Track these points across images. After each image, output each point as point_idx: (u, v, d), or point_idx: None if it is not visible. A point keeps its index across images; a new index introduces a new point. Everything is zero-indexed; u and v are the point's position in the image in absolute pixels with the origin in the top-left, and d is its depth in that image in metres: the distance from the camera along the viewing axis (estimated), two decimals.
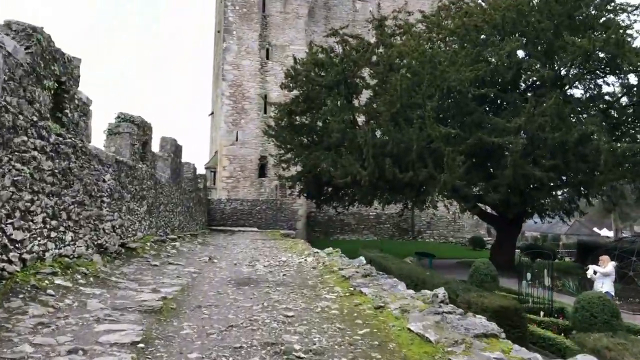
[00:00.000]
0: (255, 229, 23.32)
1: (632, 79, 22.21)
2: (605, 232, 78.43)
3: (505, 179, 20.86)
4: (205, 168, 39.90)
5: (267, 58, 39.48)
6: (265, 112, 38.39)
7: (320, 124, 26.12)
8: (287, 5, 39.94)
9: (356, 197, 24.33)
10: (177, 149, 13.28)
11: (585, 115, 22.50)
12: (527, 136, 20.78)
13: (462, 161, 20.05)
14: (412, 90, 21.31)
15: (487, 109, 22.40)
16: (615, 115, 23.48)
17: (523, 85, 24.10)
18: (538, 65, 21.58)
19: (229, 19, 39.38)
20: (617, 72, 22.02)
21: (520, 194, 22.12)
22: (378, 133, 22.51)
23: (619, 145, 20.09)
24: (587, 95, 23.60)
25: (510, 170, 20.43)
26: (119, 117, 8.47)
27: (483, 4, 25.07)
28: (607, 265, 14.16)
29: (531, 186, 22.58)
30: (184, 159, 16.23)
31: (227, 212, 24.21)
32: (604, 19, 21.27)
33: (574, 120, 21.34)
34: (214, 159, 39.61)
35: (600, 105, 23.41)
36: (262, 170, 37.75)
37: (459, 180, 20.59)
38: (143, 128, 8.88)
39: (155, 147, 13.04)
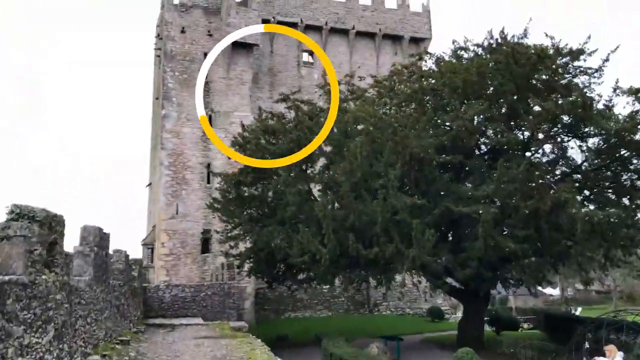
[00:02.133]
0: (200, 320, 20.31)
1: (593, 141, 21.49)
2: (550, 291, 78.45)
3: (476, 251, 19.16)
4: (142, 245, 36.44)
5: (210, 125, 37.41)
6: (208, 182, 35.90)
7: (270, 194, 23.94)
8: (231, 71, 38.44)
9: (315, 275, 21.92)
10: (102, 240, 10.67)
11: (548, 177, 21.45)
12: (496, 205, 19.31)
13: (432, 235, 18.23)
14: (374, 158, 19.62)
15: (451, 176, 20.92)
16: (580, 179, 22.61)
17: (485, 149, 22.98)
18: (499, 129, 20.51)
19: (168, 85, 37.35)
20: (580, 135, 21.24)
21: (493, 267, 20.43)
22: (336, 204, 20.50)
23: (592, 210, 18.95)
24: (551, 159, 22.68)
25: (481, 242, 18.78)
26: (11, 212, 5.96)
27: (435, 67, 24.22)
28: (615, 357, 12.33)
29: (502, 258, 20.96)
30: (115, 245, 13.57)
31: (166, 300, 21.15)
32: (564, 81, 20.61)
33: (541, 185, 20.11)
34: (152, 234, 36.31)
35: (564, 169, 22.52)
36: (205, 246, 34.75)
37: (428, 255, 18.71)
38: (49, 225, 6.40)
39: (73, 239, 10.42)
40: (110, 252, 12.50)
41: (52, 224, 6.69)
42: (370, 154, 19.70)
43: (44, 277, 6.45)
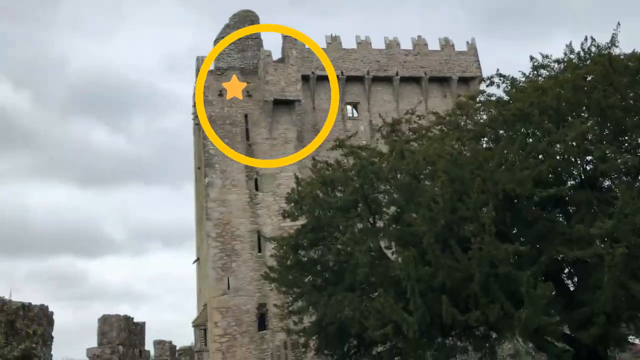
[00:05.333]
0: None
1: None
2: None
3: (601, 304, 15.14)
4: (193, 326, 33.25)
5: (257, 189, 34.94)
6: (259, 251, 32.99)
7: (331, 257, 20.59)
8: (273, 130, 36.30)
9: (400, 350, 18.10)
10: (132, 333, 7.64)
11: None
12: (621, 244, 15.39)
13: (547, 289, 14.40)
14: (457, 201, 16.22)
15: (555, 213, 17.26)
16: None
17: (583, 177, 19.21)
18: (608, 152, 16.84)
19: (210, 152, 35.37)
20: None
21: (626, 322, 16.29)
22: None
23: None
24: None
25: (608, 291, 14.79)
26: None
27: (505, 94, 21.05)
28: None
29: (632, 308, 16.75)
30: (157, 332, 10.61)
31: None
32: None
33: None
34: (204, 314, 33.18)
35: None
36: (262, 322, 31.39)
37: (545, 315, 14.86)
38: (7, 326, 3.26)
39: (85, 337, 7.37)
40: (149, 347, 9.43)
41: (18, 325, 3.66)
42: (453, 195, 16.31)
43: None
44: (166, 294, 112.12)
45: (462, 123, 21.71)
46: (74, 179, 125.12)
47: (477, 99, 22.01)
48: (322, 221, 19.30)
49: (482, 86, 25.18)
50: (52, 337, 4.32)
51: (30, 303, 3.57)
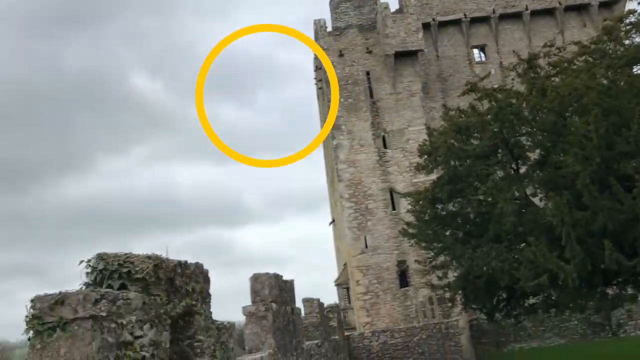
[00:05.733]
0: None
1: None
2: None
3: None
4: (336, 285, 34.08)
5: (385, 147, 34.38)
6: (394, 209, 32.63)
7: (471, 209, 19.61)
8: (397, 84, 35.26)
9: (557, 300, 16.91)
10: (283, 291, 7.66)
11: None
12: None
13: None
14: (615, 134, 14.48)
15: None
16: None
17: None
18: None
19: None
20: None
21: None
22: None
23: None
24: None
25: None
26: (93, 269, 3.01)
27: None
28: None
29: None
30: (303, 292, 10.71)
31: (374, 350, 17.82)
32: None
33: None
34: (344, 273, 33.81)
35: None
36: (403, 278, 31.26)
37: None
38: (167, 283, 3.29)
39: (236, 300, 7.50)
40: (298, 304, 9.53)
41: (177, 282, 3.63)
42: (609, 129, 14.59)
43: None
44: (306, 256, 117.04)
45: (611, 50, 19.35)
46: (212, 156, 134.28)
47: (627, 21, 19.36)
48: (459, 172, 18.36)
49: (632, 5, 22.30)
50: (209, 295, 4.36)
51: (186, 261, 3.56)
